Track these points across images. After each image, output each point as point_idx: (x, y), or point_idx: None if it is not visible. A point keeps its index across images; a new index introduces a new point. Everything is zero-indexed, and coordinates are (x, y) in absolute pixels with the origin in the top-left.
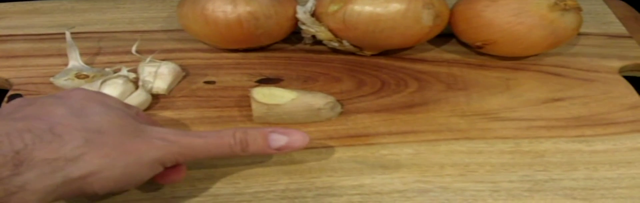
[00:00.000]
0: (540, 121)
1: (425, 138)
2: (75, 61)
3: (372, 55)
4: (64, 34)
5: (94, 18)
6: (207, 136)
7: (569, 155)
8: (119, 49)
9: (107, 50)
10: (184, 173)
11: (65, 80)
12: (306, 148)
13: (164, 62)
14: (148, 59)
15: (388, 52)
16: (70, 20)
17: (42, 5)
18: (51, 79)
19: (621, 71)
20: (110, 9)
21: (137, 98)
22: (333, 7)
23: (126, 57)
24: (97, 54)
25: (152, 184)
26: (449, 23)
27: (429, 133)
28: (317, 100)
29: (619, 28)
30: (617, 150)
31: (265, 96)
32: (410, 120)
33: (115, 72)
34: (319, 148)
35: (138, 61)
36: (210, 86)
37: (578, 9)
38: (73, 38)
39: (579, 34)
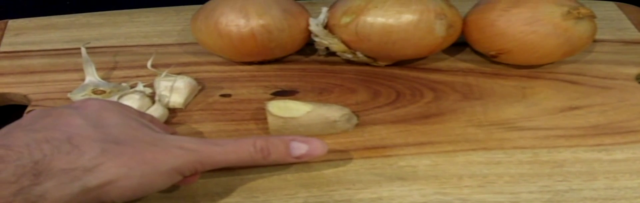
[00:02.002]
0: (558, 130)
1: (442, 149)
2: (91, 76)
3: (387, 65)
4: (80, 48)
5: (109, 32)
6: (226, 144)
7: (588, 165)
8: (135, 63)
9: (123, 64)
10: (199, 176)
11: (83, 96)
12: (323, 161)
13: (180, 76)
14: (163, 74)
15: (402, 63)
16: (86, 35)
17: (57, 21)
18: (69, 95)
19: (638, 77)
20: (125, 23)
21: (154, 113)
22: (345, 19)
23: (142, 72)
24: (114, 68)
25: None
26: (462, 32)
27: (446, 144)
28: (333, 112)
29: (634, 34)
30: (637, 159)
31: (281, 109)
32: (426, 131)
33: (132, 87)
34: (336, 160)
35: (154, 75)
36: (227, 99)
37: (592, 17)
38: (89, 53)
39: (595, 41)
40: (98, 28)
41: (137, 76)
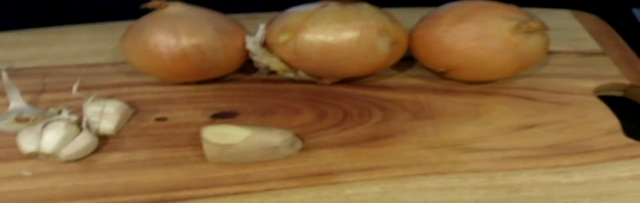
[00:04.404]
0: (514, 151)
1: (392, 174)
2: (16, 101)
3: (333, 83)
4: (10, 70)
5: (39, 52)
6: None
7: (546, 189)
8: (64, 85)
9: (52, 87)
10: None
11: (5, 124)
12: (265, 190)
13: (110, 100)
14: (90, 99)
15: (349, 80)
16: (14, 55)
17: None
18: None
19: (597, 91)
20: (56, 42)
21: (82, 141)
22: (283, 37)
23: (72, 95)
24: (42, 91)
25: None
26: (410, 48)
27: (397, 168)
28: (273, 138)
29: (591, 44)
30: (597, 181)
31: (217, 135)
32: (376, 154)
33: (59, 113)
34: (278, 189)
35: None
36: (162, 123)
37: (544, 30)
38: (17, 75)
39: (550, 53)
40: (27, 47)
41: (67, 99)
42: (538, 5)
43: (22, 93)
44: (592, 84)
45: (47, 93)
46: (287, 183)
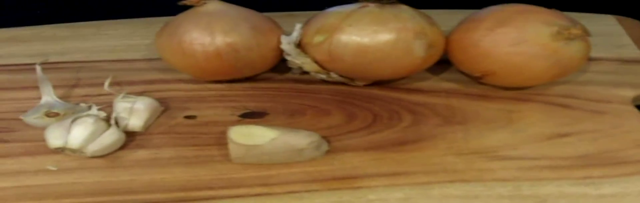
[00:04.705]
0: (544, 160)
1: (417, 181)
2: (48, 96)
3: (365, 85)
4: (43, 63)
5: (74, 46)
6: None
7: (573, 200)
8: (98, 80)
9: (85, 81)
10: None
11: (35, 118)
12: (287, 193)
13: (140, 97)
14: (121, 96)
15: (382, 82)
16: (50, 49)
17: (21, 33)
18: (21, 117)
19: (635, 100)
20: (92, 36)
21: (109, 138)
22: (318, 38)
23: (104, 90)
24: (75, 86)
25: None
26: (446, 52)
27: (422, 175)
28: (300, 140)
29: (633, 52)
30: (627, 194)
31: (244, 135)
32: (402, 159)
33: (89, 108)
34: (300, 192)
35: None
36: (191, 121)
37: (585, 37)
38: (51, 69)
39: (590, 60)
40: (63, 41)
41: (99, 95)
42: (582, 9)
43: (55, 87)
44: (631, 93)
45: (80, 87)
46: (310, 186)
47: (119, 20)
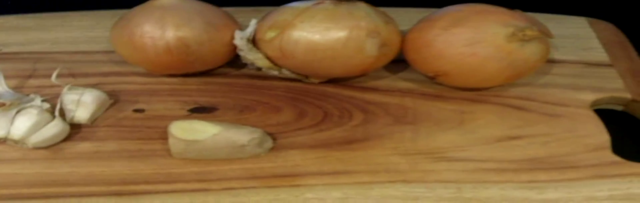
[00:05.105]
0: (490, 162)
1: (358, 180)
2: None
3: (320, 82)
4: (2, 53)
5: (37, 37)
6: None
7: None
8: (53, 71)
9: (41, 72)
10: None
11: None
12: (224, 189)
13: (88, 89)
14: (67, 87)
15: (337, 80)
16: (11, 39)
17: None
18: None
19: (594, 104)
20: (55, 27)
21: (52, 129)
22: (270, 34)
23: (60, 81)
24: (30, 77)
25: None
26: (402, 51)
27: (364, 174)
28: (241, 136)
29: (600, 55)
30: (570, 199)
31: (185, 131)
32: (346, 158)
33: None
34: (238, 189)
35: (73, 85)
36: (139, 114)
37: (543, 38)
38: (9, 59)
39: (554, 62)
40: (26, 32)
41: (52, 86)
42: (557, 11)
43: (12, 77)
44: (590, 97)
45: (35, 78)
46: (248, 183)
47: (84, 12)
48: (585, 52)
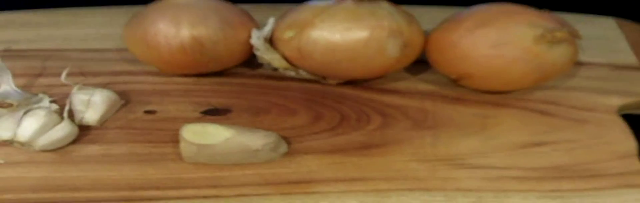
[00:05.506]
0: (513, 170)
1: (375, 187)
2: (6, 85)
3: (338, 84)
4: (12, 51)
5: (48, 33)
6: None
7: None
8: (63, 70)
9: (50, 71)
10: None
11: None
12: (236, 196)
13: (98, 89)
14: (76, 87)
15: (356, 81)
16: (22, 36)
17: None
18: None
19: (621, 109)
20: (67, 24)
21: (60, 132)
22: (289, 33)
23: (69, 80)
24: (40, 75)
25: None
26: (425, 51)
27: (381, 181)
28: (255, 140)
29: (628, 58)
30: None
31: (197, 134)
32: (363, 164)
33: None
34: (250, 195)
35: (84, 84)
36: (150, 116)
37: (572, 40)
38: (19, 56)
39: (581, 64)
40: (37, 28)
41: (62, 85)
42: (584, 11)
43: (20, 76)
44: (617, 102)
45: (44, 77)
46: (261, 190)
47: (97, 8)
48: (613, 54)
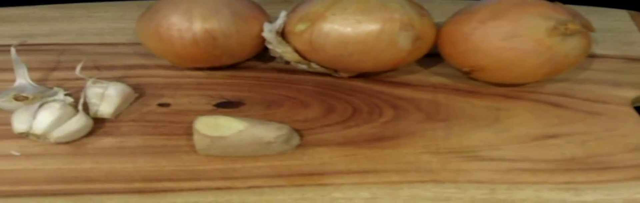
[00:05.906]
0: (525, 162)
1: (387, 180)
2: (22, 78)
3: (350, 77)
4: (27, 45)
5: (62, 28)
6: None
7: None
8: (78, 63)
9: (65, 64)
10: None
11: (3, 101)
12: (249, 187)
13: (113, 83)
14: (91, 81)
15: (367, 74)
16: (37, 30)
17: (11, 13)
18: None
19: (635, 101)
20: (81, 18)
21: (75, 124)
22: (300, 27)
23: (84, 73)
24: (54, 69)
25: None
26: (437, 44)
27: (393, 174)
28: (268, 133)
29: None
30: (609, 202)
31: (210, 126)
32: (375, 157)
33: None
34: (263, 187)
35: (98, 78)
36: (164, 109)
37: (585, 32)
38: (33, 50)
39: (594, 57)
40: (51, 22)
41: (76, 79)
42: (597, 3)
43: (35, 70)
44: (631, 94)
45: (59, 70)
46: (273, 182)
47: (111, 2)
48: (627, 46)
